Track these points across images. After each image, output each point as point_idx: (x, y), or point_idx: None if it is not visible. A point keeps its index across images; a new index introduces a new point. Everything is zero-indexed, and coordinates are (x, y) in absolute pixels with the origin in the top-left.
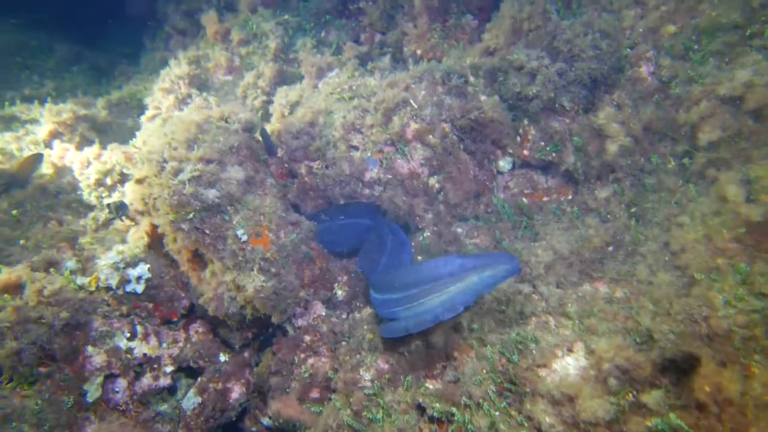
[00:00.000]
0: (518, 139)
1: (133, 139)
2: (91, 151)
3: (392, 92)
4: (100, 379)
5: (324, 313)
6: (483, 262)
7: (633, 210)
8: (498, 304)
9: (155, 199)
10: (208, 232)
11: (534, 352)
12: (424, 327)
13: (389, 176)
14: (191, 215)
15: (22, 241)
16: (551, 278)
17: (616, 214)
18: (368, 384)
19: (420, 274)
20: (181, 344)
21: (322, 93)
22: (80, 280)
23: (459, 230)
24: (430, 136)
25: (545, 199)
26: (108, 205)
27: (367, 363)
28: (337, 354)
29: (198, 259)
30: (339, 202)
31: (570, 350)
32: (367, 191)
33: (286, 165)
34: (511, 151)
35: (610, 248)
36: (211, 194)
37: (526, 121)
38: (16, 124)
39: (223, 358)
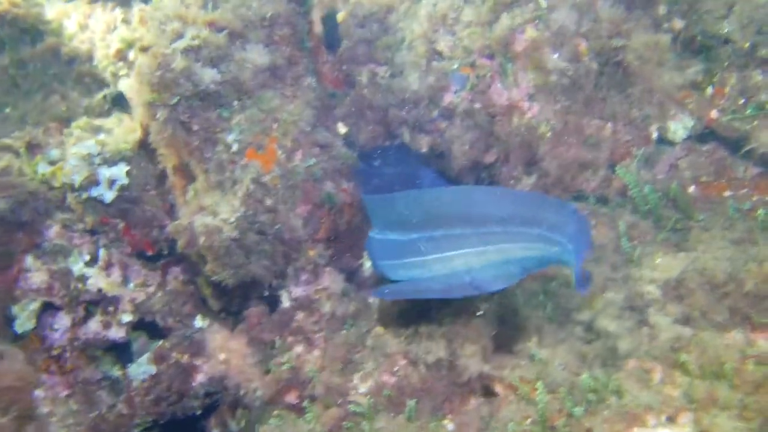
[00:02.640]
0: (710, 90)
1: None
2: (120, 12)
3: None
4: (35, 305)
5: (338, 288)
6: (545, 220)
7: None
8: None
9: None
10: (196, 129)
11: (611, 409)
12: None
13: (477, 105)
14: (175, 100)
15: (7, 109)
16: (676, 308)
17: None
18: (361, 399)
19: (453, 205)
20: (151, 289)
21: None
22: (42, 168)
23: None
24: (553, 55)
25: (727, 193)
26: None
27: (366, 368)
28: (328, 345)
29: (187, 170)
30: (401, 133)
31: (671, 420)
32: (442, 124)
33: (344, 67)
34: (692, 107)
35: None
36: (209, 76)
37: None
38: None
39: (199, 322)
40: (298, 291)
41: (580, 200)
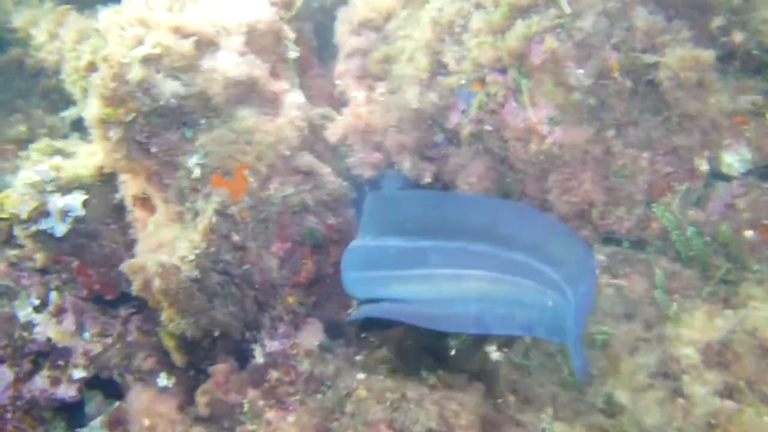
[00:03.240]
0: None
1: None
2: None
3: None
4: None
5: (318, 343)
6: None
7: None
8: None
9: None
10: (154, 151)
11: None
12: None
13: (488, 127)
14: (130, 117)
15: None
16: (718, 376)
17: None
18: None
19: (478, 215)
20: (109, 340)
21: None
22: None
23: (599, 257)
24: (578, 70)
25: None
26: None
27: None
28: (303, 411)
29: (148, 200)
30: (401, 160)
31: None
32: (448, 149)
33: (339, 82)
34: (749, 136)
35: None
36: (170, 89)
37: None
38: None
39: (163, 380)
40: (273, 345)
41: (611, 243)
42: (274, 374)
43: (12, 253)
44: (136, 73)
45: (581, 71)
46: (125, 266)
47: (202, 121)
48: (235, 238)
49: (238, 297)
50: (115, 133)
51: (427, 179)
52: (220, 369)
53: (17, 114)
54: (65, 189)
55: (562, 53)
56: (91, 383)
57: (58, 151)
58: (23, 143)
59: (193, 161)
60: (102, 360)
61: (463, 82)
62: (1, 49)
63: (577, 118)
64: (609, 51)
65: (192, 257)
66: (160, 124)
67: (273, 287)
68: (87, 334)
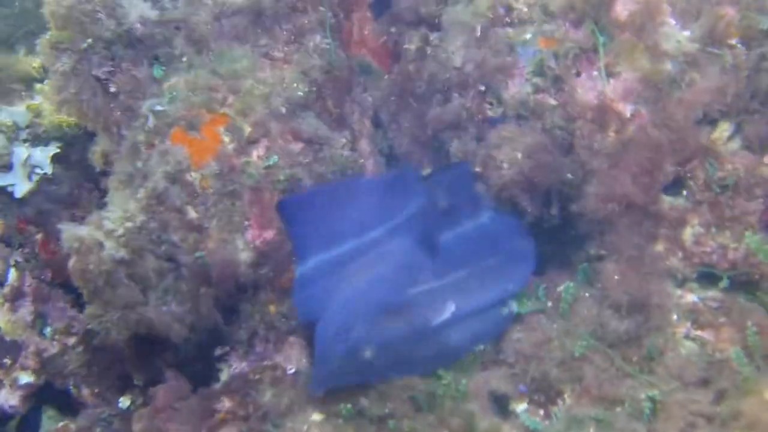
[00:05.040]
0: None
1: None
2: None
3: None
4: None
5: (294, 370)
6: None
7: None
8: None
9: None
10: (115, 92)
11: None
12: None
13: (552, 101)
14: (86, 44)
15: None
16: None
17: None
18: None
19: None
20: (72, 340)
21: None
22: None
23: (687, 298)
24: (679, 31)
25: None
26: None
27: None
28: None
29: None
30: (448, 139)
31: None
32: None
33: (393, 29)
34: None
35: None
36: (137, 11)
37: None
38: None
39: (125, 402)
40: (241, 366)
41: (706, 280)
42: (226, 404)
43: None
44: None
45: (687, 33)
46: (64, 237)
47: (184, 59)
48: (191, 214)
49: (186, 293)
50: (65, 63)
51: (478, 168)
52: (163, 391)
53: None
54: (42, 139)
55: (659, 3)
56: (42, 393)
57: None
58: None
59: (148, 107)
60: (57, 365)
61: (528, 36)
62: None
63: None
64: (725, 5)
65: (121, 231)
66: (126, 56)
67: (242, 288)
68: (48, 330)
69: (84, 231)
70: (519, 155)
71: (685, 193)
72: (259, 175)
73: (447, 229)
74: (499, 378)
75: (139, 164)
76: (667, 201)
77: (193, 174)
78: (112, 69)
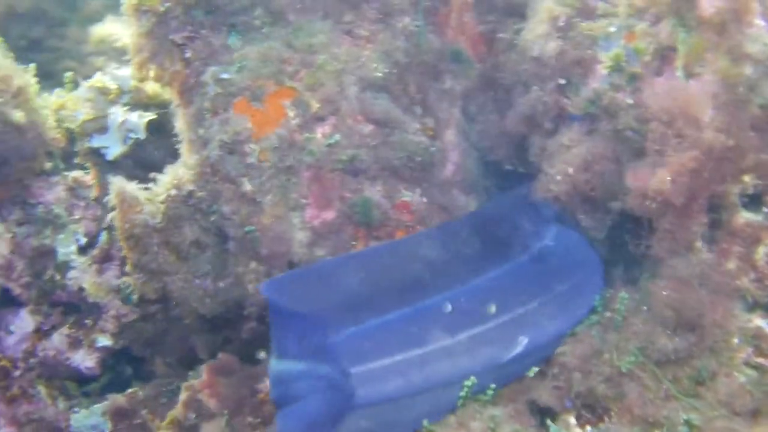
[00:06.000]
0: None
1: None
2: None
3: None
4: None
5: None
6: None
7: None
8: None
9: None
10: (190, 57)
11: None
12: None
13: (628, 99)
14: (166, 6)
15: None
16: None
17: None
18: None
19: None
20: (152, 309)
21: None
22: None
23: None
24: (763, 26)
25: None
26: None
27: None
28: None
29: None
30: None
31: None
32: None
33: (491, 17)
34: None
35: None
36: None
37: None
38: None
39: (194, 376)
40: None
41: None
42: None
43: (73, 175)
44: None
45: None
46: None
47: (264, 30)
48: (246, 186)
49: (233, 268)
50: (143, 25)
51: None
52: (209, 367)
53: None
54: (143, 105)
55: (751, 1)
56: (118, 356)
57: None
58: None
59: (213, 74)
60: (135, 331)
61: (612, 29)
62: None
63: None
64: None
65: (162, 197)
66: (204, 23)
67: (291, 266)
68: (134, 297)
69: (130, 187)
70: (570, 170)
71: (765, 210)
72: (320, 152)
73: (511, 261)
74: (542, 389)
75: (201, 132)
76: (743, 216)
77: (252, 145)
78: (190, 35)
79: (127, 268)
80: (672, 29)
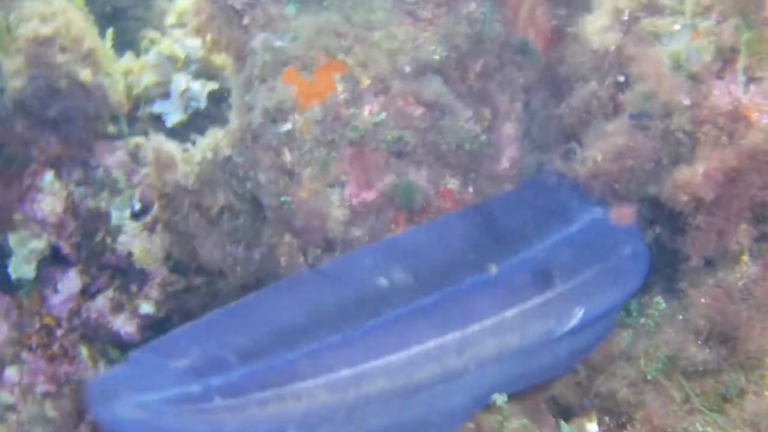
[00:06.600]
0: None
1: None
2: None
3: None
4: (38, 245)
5: None
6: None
7: None
8: None
9: None
10: (247, 24)
11: None
12: None
13: (686, 100)
14: None
15: None
16: None
17: None
18: None
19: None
20: (198, 281)
21: None
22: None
23: None
24: None
25: None
26: None
27: None
28: None
29: None
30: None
31: None
32: None
33: (563, 12)
34: None
35: None
36: None
37: None
38: None
39: None
40: None
41: None
42: None
43: (135, 141)
44: None
45: None
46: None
47: (324, 2)
48: (286, 156)
49: (267, 239)
50: None
51: None
52: None
53: None
54: (210, 75)
55: None
56: (159, 325)
57: None
58: None
59: (262, 41)
60: (179, 300)
61: (677, 27)
62: None
63: None
64: None
65: (198, 159)
66: None
67: (331, 245)
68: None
69: (167, 146)
70: (600, 156)
71: None
72: (365, 129)
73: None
74: (563, 385)
75: (248, 98)
76: None
77: (296, 116)
78: (250, 1)
79: (158, 227)
80: (736, 29)
